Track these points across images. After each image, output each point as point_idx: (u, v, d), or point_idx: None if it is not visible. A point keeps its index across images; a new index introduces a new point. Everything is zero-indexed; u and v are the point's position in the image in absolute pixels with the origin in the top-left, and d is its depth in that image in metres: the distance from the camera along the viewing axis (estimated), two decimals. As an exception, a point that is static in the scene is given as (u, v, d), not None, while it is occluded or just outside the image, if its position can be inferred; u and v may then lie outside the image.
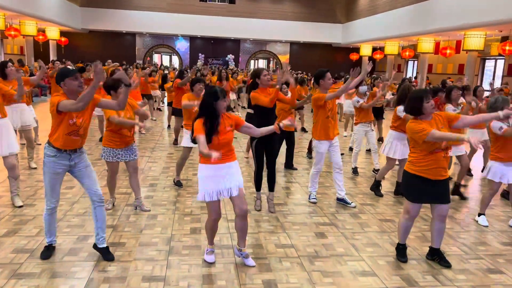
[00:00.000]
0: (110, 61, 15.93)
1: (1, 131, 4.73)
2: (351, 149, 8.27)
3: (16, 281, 3.26)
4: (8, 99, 5.51)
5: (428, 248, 3.96)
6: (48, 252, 3.69)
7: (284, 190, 5.95)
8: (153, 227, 4.43)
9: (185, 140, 5.74)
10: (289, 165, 7.19)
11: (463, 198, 5.82)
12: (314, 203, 5.39)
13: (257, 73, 4.94)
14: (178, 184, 5.90)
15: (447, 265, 3.77)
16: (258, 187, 5.13)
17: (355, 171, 6.99)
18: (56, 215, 3.73)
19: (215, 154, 3.04)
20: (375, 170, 6.95)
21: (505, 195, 5.89)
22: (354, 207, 5.29)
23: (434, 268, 3.76)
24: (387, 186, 6.26)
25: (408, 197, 3.74)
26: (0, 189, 5.31)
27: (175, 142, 8.84)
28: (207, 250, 3.75)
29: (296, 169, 7.14)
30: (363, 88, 6.92)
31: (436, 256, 3.85)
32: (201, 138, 3.25)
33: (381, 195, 5.80)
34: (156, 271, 3.49)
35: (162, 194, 5.53)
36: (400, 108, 5.52)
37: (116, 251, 3.81)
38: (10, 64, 5.85)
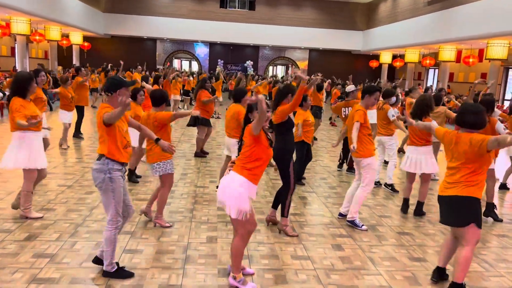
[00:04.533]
0: (140, 67, 16.40)
1: (40, 143, 4.77)
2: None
3: (36, 286, 3.32)
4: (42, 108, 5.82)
5: (450, 267, 3.88)
6: (127, 271, 3.59)
7: (301, 200, 5.93)
8: (170, 234, 4.46)
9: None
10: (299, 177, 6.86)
11: None
12: (366, 230, 4.90)
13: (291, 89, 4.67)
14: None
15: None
16: (288, 211, 4.64)
17: (393, 188, 6.63)
18: None
19: None
20: (387, 185, 6.70)
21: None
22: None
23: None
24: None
25: (479, 225, 3.37)
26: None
27: (199, 154, 8.37)
28: (240, 280, 3.43)
29: (304, 184, 6.78)
30: (392, 99, 6.79)
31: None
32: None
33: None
34: (172, 280, 3.52)
35: (179, 201, 5.57)
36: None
37: (133, 258, 3.86)
38: (42, 73, 6.05)
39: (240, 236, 3.37)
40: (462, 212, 3.36)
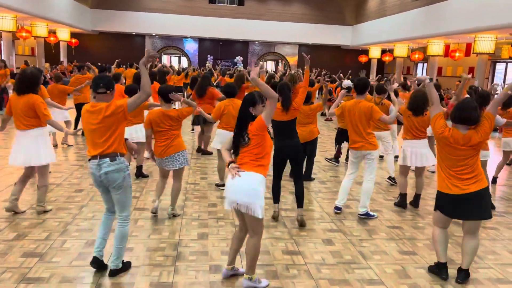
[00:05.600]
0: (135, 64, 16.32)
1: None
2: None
3: (26, 285, 3.29)
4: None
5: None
6: (127, 262, 3.67)
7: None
8: (161, 232, 4.45)
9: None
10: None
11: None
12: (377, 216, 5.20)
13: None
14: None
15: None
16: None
17: (395, 181, 6.61)
18: None
19: None
20: (391, 178, 6.74)
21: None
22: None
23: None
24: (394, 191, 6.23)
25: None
26: (10, 193, 5.35)
27: (201, 150, 8.44)
28: (256, 280, 3.38)
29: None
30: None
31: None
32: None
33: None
34: (163, 277, 3.51)
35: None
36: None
37: (124, 256, 3.83)
38: (43, 72, 6.03)
39: (259, 235, 3.31)
40: (485, 204, 3.53)
